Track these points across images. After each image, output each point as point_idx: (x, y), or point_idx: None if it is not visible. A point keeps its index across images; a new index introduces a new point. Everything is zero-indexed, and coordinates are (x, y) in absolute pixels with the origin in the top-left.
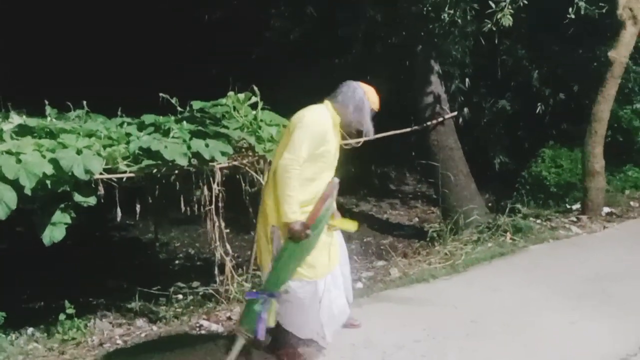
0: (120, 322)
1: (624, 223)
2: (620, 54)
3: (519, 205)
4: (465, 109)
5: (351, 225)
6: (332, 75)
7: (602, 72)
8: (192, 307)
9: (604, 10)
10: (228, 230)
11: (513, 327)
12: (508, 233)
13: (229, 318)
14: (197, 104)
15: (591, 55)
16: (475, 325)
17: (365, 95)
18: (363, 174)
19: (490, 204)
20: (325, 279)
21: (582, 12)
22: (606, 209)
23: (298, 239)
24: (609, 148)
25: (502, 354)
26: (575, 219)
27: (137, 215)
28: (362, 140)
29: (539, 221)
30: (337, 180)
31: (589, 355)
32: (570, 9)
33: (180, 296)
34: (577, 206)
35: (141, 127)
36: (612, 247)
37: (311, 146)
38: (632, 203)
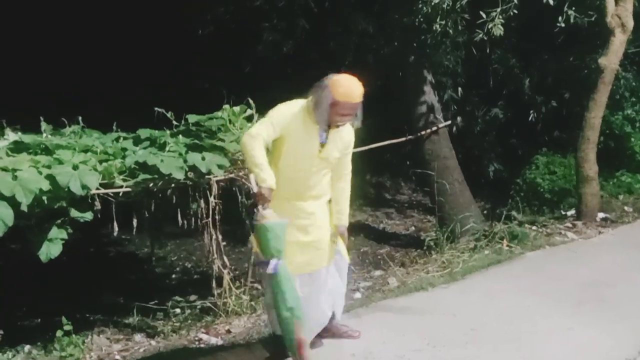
0: (118, 337)
1: (619, 228)
2: (610, 61)
3: (514, 213)
4: (459, 118)
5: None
6: None
7: (592, 79)
8: (190, 321)
9: (593, 19)
10: (225, 243)
11: (512, 334)
12: (504, 240)
13: (228, 331)
14: (192, 118)
15: (581, 63)
16: (474, 333)
17: (328, 88)
18: (358, 184)
19: (485, 212)
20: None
21: (572, 21)
22: (601, 215)
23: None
24: (602, 154)
25: None
26: (570, 225)
27: (135, 230)
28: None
29: (534, 228)
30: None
31: None
32: (560, 18)
33: (178, 310)
34: (571, 212)
35: (137, 141)
36: (608, 252)
37: (268, 127)
38: (626, 208)
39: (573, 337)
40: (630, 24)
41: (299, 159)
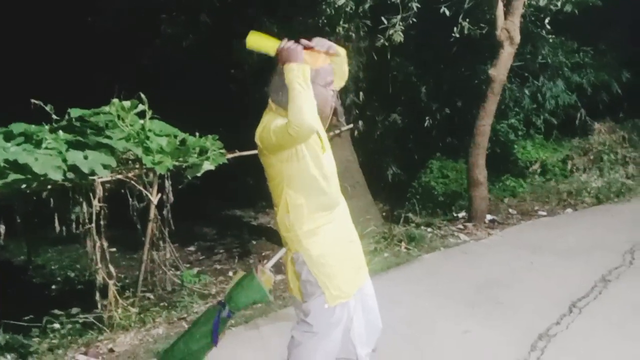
0: None
1: (506, 230)
2: (499, 72)
3: (411, 215)
4: (360, 122)
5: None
6: (229, 85)
7: (482, 89)
8: (70, 338)
9: (484, 31)
10: (115, 249)
11: (411, 337)
12: (403, 242)
13: (111, 350)
14: (75, 112)
15: (473, 73)
16: None
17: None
18: (260, 186)
19: (384, 214)
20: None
21: (466, 32)
22: (489, 217)
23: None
24: (489, 159)
25: None
26: (462, 227)
27: (1, 237)
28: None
29: (430, 230)
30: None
31: None
32: (455, 29)
33: (57, 325)
34: (462, 214)
35: (9, 137)
36: (498, 253)
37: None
38: (510, 210)
39: (469, 339)
40: (517, 37)
41: (319, 158)
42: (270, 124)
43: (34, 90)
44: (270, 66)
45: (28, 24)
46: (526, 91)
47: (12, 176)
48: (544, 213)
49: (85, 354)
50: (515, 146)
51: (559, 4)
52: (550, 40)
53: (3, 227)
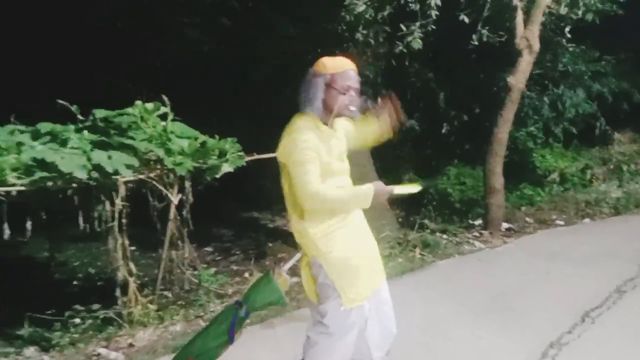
0: (6, 351)
1: (522, 238)
2: (518, 80)
3: (426, 221)
4: None
5: (413, 187)
6: (247, 87)
7: (501, 96)
8: (91, 332)
9: (503, 39)
10: (134, 248)
11: (426, 343)
12: (417, 248)
13: (131, 345)
14: (100, 113)
15: (491, 81)
16: None
17: (315, 74)
18: (277, 189)
19: (400, 219)
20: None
21: (484, 40)
22: (505, 225)
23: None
24: (506, 167)
25: None
26: (477, 234)
27: (28, 233)
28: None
29: (445, 236)
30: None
31: None
32: (474, 36)
33: (77, 320)
34: (479, 222)
35: (36, 135)
36: (513, 261)
37: (315, 168)
38: (527, 219)
39: (482, 345)
40: (536, 46)
41: (337, 173)
42: (296, 157)
43: (54, 91)
44: (294, 71)
45: (48, 25)
46: (546, 99)
47: (39, 174)
48: (562, 222)
49: (106, 347)
50: (534, 154)
51: (579, 12)
52: (571, 49)
53: (30, 223)
